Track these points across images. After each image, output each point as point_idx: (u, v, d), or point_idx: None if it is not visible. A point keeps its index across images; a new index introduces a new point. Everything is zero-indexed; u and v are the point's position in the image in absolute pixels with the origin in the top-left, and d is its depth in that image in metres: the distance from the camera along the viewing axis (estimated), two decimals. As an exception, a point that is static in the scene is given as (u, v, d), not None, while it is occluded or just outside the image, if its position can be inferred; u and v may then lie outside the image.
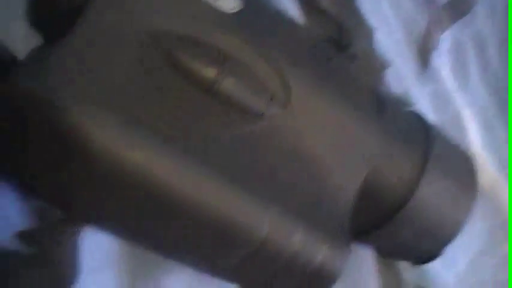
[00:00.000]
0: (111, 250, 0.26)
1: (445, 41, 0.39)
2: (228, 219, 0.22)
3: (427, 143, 0.27)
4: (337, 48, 0.33)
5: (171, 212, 0.22)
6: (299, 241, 0.23)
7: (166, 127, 0.22)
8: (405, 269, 0.33)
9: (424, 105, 0.37)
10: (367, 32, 0.35)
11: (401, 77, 0.36)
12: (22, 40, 0.24)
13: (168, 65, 0.22)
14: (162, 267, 0.26)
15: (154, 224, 0.23)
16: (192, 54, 0.22)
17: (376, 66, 0.36)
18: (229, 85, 0.23)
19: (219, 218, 0.22)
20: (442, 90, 0.38)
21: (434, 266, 0.33)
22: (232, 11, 0.24)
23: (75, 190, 0.22)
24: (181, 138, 0.22)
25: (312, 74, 0.25)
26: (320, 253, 0.24)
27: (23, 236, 0.25)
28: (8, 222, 0.25)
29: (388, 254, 0.31)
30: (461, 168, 0.29)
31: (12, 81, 0.20)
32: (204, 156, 0.22)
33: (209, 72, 0.22)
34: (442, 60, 0.38)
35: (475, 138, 0.38)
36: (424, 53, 0.38)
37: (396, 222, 0.27)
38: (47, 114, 0.20)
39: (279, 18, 0.27)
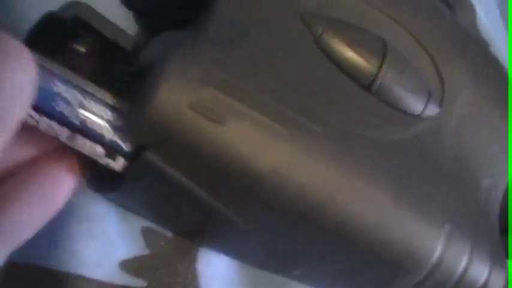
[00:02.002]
0: (229, 278, 0.22)
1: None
2: (399, 240, 0.18)
3: None
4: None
5: (325, 230, 0.18)
6: (466, 262, 0.19)
7: (315, 120, 0.17)
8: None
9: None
10: (470, 10, 0.31)
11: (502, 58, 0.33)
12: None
13: (320, 50, 0.18)
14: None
15: (302, 243, 0.19)
16: (347, 42, 0.18)
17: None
18: (390, 82, 0.19)
19: (388, 239, 0.18)
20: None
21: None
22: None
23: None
24: (333, 136, 0.18)
25: (466, 65, 0.21)
26: (483, 275, 0.20)
27: (129, 265, 0.21)
28: (110, 249, 0.21)
29: None
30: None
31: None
32: (365, 162, 0.18)
33: (369, 67, 0.18)
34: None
35: None
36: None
37: None
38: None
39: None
